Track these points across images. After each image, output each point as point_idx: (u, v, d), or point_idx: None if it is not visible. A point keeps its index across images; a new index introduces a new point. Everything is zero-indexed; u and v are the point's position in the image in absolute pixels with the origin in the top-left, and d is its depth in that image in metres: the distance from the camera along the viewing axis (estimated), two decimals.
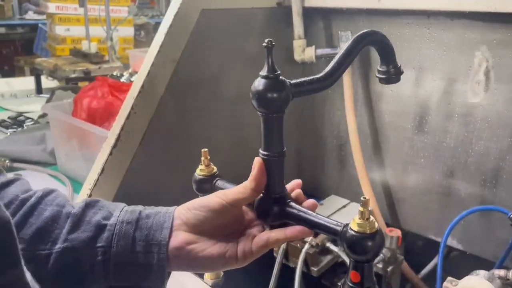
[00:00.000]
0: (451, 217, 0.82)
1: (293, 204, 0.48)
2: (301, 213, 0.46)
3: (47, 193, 0.49)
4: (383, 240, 0.44)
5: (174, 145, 0.89)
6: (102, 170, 0.78)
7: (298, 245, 0.91)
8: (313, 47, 1.00)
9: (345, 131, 1.07)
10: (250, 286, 0.90)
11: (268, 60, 0.45)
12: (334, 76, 0.48)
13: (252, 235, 0.47)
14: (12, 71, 4.46)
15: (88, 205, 0.48)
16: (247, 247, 0.46)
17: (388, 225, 1.04)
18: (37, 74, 2.55)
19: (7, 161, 1.25)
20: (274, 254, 0.94)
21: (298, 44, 1.00)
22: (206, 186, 0.54)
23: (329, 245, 0.92)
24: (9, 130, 1.52)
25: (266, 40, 0.44)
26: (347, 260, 0.87)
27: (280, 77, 0.46)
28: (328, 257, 0.92)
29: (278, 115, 0.46)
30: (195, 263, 0.46)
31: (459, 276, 0.67)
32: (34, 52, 4.30)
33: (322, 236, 0.93)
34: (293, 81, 0.46)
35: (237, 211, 0.48)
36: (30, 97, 2.28)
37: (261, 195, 0.48)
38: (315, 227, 0.46)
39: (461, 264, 1.01)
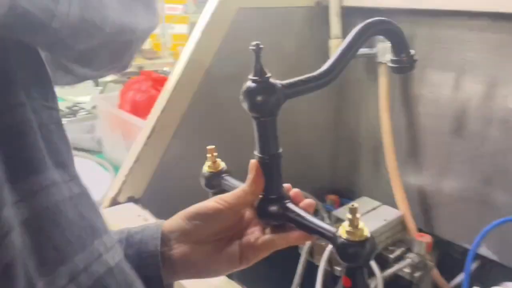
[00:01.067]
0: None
1: (289, 205, 0.48)
2: (298, 215, 0.46)
3: None
4: (373, 248, 0.43)
5: (205, 139, 0.91)
6: (137, 158, 0.83)
7: (323, 243, 0.91)
8: None
9: (380, 133, 1.06)
10: (276, 281, 0.92)
11: (256, 63, 0.44)
12: (334, 72, 0.47)
13: (254, 237, 0.48)
14: None
15: None
16: (250, 251, 0.47)
17: (421, 230, 1.02)
18: None
19: None
20: (299, 251, 0.95)
21: (334, 43, 1.00)
22: (214, 182, 0.55)
23: None
24: (64, 119, 1.63)
25: (253, 43, 0.44)
26: (372, 262, 0.87)
27: (270, 80, 0.45)
28: None
29: (270, 118, 0.46)
30: (200, 272, 0.47)
31: None
32: None
33: None
34: (285, 82, 0.46)
35: (237, 214, 0.48)
36: (86, 88, 2.41)
37: (260, 196, 0.48)
38: (310, 231, 0.46)
39: (496, 276, 0.97)
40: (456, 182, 0.98)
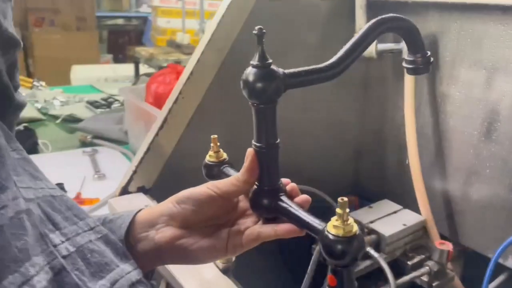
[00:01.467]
0: None
1: (284, 198, 0.46)
2: (290, 208, 0.45)
3: None
4: (361, 245, 0.40)
5: (219, 132, 0.91)
6: (148, 149, 0.83)
7: None
8: (375, 42, 0.96)
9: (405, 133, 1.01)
10: (287, 278, 0.89)
11: (259, 48, 0.44)
12: (340, 67, 0.46)
13: (244, 227, 0.47)
14: (124, 59, 4.89)
15: None
16: (237, 241, 0.46)
17: (445, 238, 0.96)
18: (136, 62, 2.77)
19: (88, 136, 1.38)
20: (312, 252, 0.92)
21: None
22: (214, 172, 0.54)
23: (369, 249, 0.88)
24: (98, 110, 1.68)
25: (256, 28, 0.43)
26: (385, 266, 0.83)
27: (272, 67, 0.44)
28: (367, 262, 0.88)
29: (270, 105, 0.45)
30: (186, 257, 0.46)
31: None
32: (143, 43, 4.67)
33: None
34: (288, 71, 0.44)
35: (229, 202, 0.48)
36: (125, 82, 2.48)
37: (255, 186, 0.47)
38: (300, 224, 0.44)
39: None
40: (484, 188, 0.92)
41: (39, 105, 1.72)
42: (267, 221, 0.47)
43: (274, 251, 0.94)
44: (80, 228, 0.38)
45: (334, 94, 1.09)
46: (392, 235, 0.89)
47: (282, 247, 1.05)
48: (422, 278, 0.87)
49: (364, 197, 1.10)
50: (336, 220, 0.40)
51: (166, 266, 0.64)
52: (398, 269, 0.90)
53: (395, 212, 0.97)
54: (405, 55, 0.52)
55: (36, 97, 1.79)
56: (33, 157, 1.36)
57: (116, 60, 4.60)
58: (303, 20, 0.97)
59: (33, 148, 1.35)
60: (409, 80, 0.95)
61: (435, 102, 0.97)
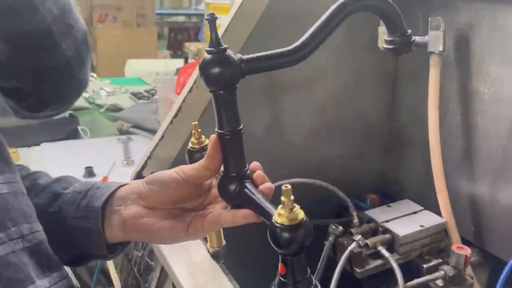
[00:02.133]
0: None
1: (247, 185, 0.46)
2: (250, 195, 0.45)
3: (33, 172, 0.56)
4: (308, 233, 0.39)
5: None
6: (162, 136, 0.86)
7: (345, 242, 0.86)
8: None
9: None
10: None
11: (211, 33, 0.43)
12: (304, 51, 0.44)
13: (209, 212, 0.48)
14: (181, 55, 5.03)
15: (58, 179, 0.54)
16: (198, 224, 0.47)
17: (469, 243, 0.91)
18: (185, 57, 2.86)
19: (125, 125, 1.44)
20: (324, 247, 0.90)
21: (383, 30, 0.93)
22: (196, 158, 0.54)
23: (381, 249, 0.85)
24: (140, 101, 1.75)
25: (208, 13, 0.43)
26: (395, 267, 0.80)
27: (226, 52, 0.44)
28: (378, 262, 0.85)
29: (228, 91, 0.44)
30: (146, 236, 0.48)
31: None
32: (199, 39, 4.77)
33: (375, 239, 0.86)
34: (246, 56, 0.44)
35: (197, 187, 0.48)
36: (173, 76, 2.56)
37: (222, 173, 0.48)
38: (257, 211, 0.44)
39: None
40: None
41: (87, 95, 1.83)
42: (235, 208, 0.47)
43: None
44: (8, 236, 0.38)
45: (360, 90, 1.06)
46: (407, 235, 0.85)
47: None
48: (436, 282, 0.83)
49: (387, 196, 1.07)
50: (281, 208, 0.39)
51: (161, 250, 0.66)
52: (413, 271, 0.86)
53: (414, 213, 0.93)
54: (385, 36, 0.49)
55: None
56: (70, 142, 1.46)
57: (174, 56, 4.74)
58: (325, 11, 0.95)
59: (73, 134, 1.45)
60: (434, 75, 0.90)
61: (463, 99, 0.92)
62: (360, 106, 1.06)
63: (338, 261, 0.87)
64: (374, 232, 0.89)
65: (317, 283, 0.41)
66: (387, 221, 0.89)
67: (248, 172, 0.47)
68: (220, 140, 0.46)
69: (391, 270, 0.84)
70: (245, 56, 0.44)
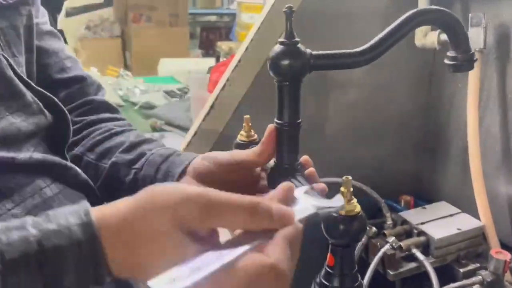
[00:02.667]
0: None
1: (299, 178, 0.47)
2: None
3: (130, 129, 0.63)
4: (363, 225, 0.40)
5: (265, 120, 0.92)
6: (195, 133, 0.87)
7: (378, 243, 0.84)
8: (438, 31, 0.89)
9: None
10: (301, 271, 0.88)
11: (286, 26, 0.44)
12: (370, 54, 0.45)
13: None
14: (213, 55, 5.08)
15: (147, 140, 0.59)
16: None
17: (508, 248, 0.88)
18: (217, 56, 2.87)
19: (158, 122, 1.47)
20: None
21: (420, 28, 0.91)
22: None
23: (416, 251, 0.83)
24: (173, 99, 1.77)
25: (286, 6, 0.44)
26: (430, 270, 0.78)
27: (298, 45, 0.45)
28: (412, 265, 0.83)
29: (293, 84, 0.46)
30: None
31: None
32: (230, 38, 4.80)
33: (409, 241, 0.84)
34: (315, 52, 0.45)
35: (248, 174, 0.50)
36: (205, 74, 2.59)
37: (274, 163, 0.48)
38: None
39: None
40: None
41: (121, 93, 1.87)
42: None
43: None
44: None
45: (396, 89, 1.04)
46: (443, 238, 0.83)
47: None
48: (473, 287, 0.80)
49: (421, 198, 1.04)
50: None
51: None
52: (448, 275, 0.84)
53: (451, 215, 0.91)
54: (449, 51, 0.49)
55: (120, 85, 1.94)
56: None
57: (206, 55, 4.78)
58: (363, 11, 0.94)
59: None
60: (473, 74, 0.87)
61: (504, 99, 0.89)
62: (395, 105, 1.04)
63: (370, 262, 0.85)
64: (408, 234, 0.87)
65: (362, 282, 0.41)
66: (422, 223, 0.87)
67: (300, 166, 0.48)
68: (278, 131, 0.47)
69: (425, 274, 0.82)
70: (315, 52, 0.45)
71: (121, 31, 4.20)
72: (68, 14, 3.65)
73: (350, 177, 0.40)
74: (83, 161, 0.57)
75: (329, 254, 0.41)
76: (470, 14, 0.86)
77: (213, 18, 5.49)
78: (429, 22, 0.48)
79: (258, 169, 0.50)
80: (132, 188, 0.53)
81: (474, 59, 0.50)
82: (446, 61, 0.51)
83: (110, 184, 0.55)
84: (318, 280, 0.42)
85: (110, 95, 1.80)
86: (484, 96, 0.90)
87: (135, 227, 0.33)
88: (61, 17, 3.52)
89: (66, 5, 3.66)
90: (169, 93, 1.84)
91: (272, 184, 0.48)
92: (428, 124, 1.07)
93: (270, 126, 0.47)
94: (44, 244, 0.31)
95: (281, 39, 0.45)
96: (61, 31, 2.92)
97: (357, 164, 1.01)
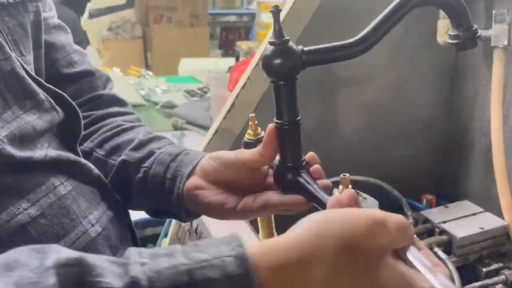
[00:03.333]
0: None
1: (303, 175, 0.47)
2: (305, 184, 0.46)
3: (139, 125, 0.62)
4: None
5: None
6: (216, 131, 0.88)
7: None
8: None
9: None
10: None
11: (275, 25, 0.44)
12: (366, 43, 0.44)
13: (260, 195, 0.49)
14: (233, 54, 5.09)
15: (156, 138, 0.59)
16: (248, 203, 0.49)
17: None
18: (236, 55, 2.89)
19: (179, 121, 1.49)
20: None
21: (442, 24, 0.90)
22: (251, 148, 0.56)
23: (437, 250, 0.82)
24: (193, 98, 1.79)
25: (273, 6, 0.44)
26: (452, 269, 0.78)
27: (288, 44, 0.44)
28: None
29: (288, 82, 0.45)
30: (197, 207, 0.52)
31: None
32: (249, 38, 4.81)
33: (431, 240, 0.84)
34: (307, 48, 0.44)
35: (254, 172, 0.50)
36: (224, 74, 2.60)
37: (278, 162, 0.49)
38: (309, 197, 0.45)
39: None
40: None
41: (143, 92, 1.90)
42: None
43: None
44: None
45: (418, 85, 1.03)
46: (465, 237, 0.82)
47: None
48: (496, 287, 0.79)
49: (444, 197, 1.03)
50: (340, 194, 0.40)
51: (212, 236, 0.68)
52: (471, 275, 0.83)
53: (473, 214, 0.89)
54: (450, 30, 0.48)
55: (141, 85, 1.97)
56: None
57: (226, 55, 4.79)
58: (381, 7, 0.93)
59: None
60: (497, 71, 0.86)
61: None
62: (417, 102, 1.03)
63: None
64: (430, 233, 0.86)
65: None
66: (444, 222, 0.86)
67: (304, 162, 0.48)
68: (278, 130, 0.47)
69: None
70: (307, 48, 0.45)
71: (143, 32, 4.25)
72: (91, 16, 3.72)
73: (347, 174, 0.40)
74: (92, 157, 0.58)
75: None
76: (494, 11, 0.85)
77: (232, 18, 5.51)
78: (425, 2, 0.46)
79: (265, 166, 0.51)
80: (141, 186, 0.54)
81: (477, 35, 0.48)
82: (449, 41, 0.49)
83: (119, 181, 0.56)
84: None
85: (132, 95, 1.83)
86: (508, 93, 0.88)
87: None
88: (84, 18, 3.60)
89: (89, 7, 3.73)
90: (190, 93, 1.87)
91: (278, 181, 0.49)
92: (450, 122, 1.06)
93: (270, 126, 0.48)
94: (194, 275, 0.28)
95: (271, 39, 0.45)
96: (84, 32, 2.97)
97: (379, 162, 1.01)
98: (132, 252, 0.30)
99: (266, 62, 0.44)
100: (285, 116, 0.46)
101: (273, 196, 0.48)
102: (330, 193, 0.46)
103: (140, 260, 0.29)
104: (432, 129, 1.07)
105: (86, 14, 3.63)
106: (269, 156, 0.48)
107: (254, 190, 0.50)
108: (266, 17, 3.33)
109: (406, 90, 1.02)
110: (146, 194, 0.54)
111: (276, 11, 0.44)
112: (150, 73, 2.21)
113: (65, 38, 0.62)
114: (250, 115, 0.57)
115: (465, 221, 0.87)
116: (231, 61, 3.10)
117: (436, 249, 0.82)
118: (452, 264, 0.79)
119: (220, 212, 0.51)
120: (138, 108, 1.72)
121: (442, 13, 0.92)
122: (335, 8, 0.88)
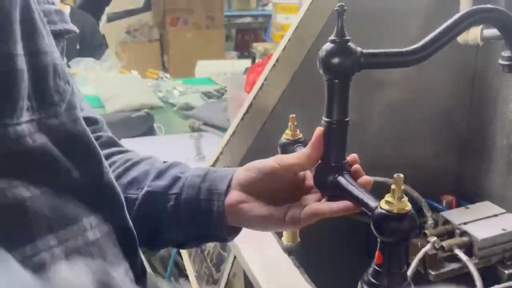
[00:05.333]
0: None
1: (346, 176, 0.47)
2: (348, 185, 0.45)
3: (148, 157, 0.60)
4: (413, 225, 0.40)
5: (306, 118, 0.92)
6: (234, 132, 0.88)
7: (419, 243, 0.83)
8: (480, 27, 0.87)
9: None
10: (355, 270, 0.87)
11: (338, 24, 0.45)
12: (422, 53, 0.45)
13: (306, 203, 0.48)
14: (248, 56, 5.10)
15: (173, 164, 0.57)
16: (295, 214, 0.48)
17: None
18: (252, 57, 2.89)
19: (196, 123, 1.50)
20: None
21: None
22: (288, 150, 0.55)
23: (458, 252, 0.81)
24: (210, 99, 1.81)
25: (338, 4, 0.44)
26: (474, 271, 0.77)
27: (349, 43, 0.45)
28: (454, 265, 0.82)
29: (342, 81, 0.46)
30: (244, 221, 0.50)
31: None
32: (265, 39, 4.82)
33: (451, 241, 0.83)
34: (366, 51, 0.45)
35: (294, 177, 0.50)
36: (240, 75, 2.61)
37: (320, 163, 0.48)
38: (355, 200, 0.44)
39: None
40: None
41: (161, 94, 1.92)
42: (331, 199, 0.48)
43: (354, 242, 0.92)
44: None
45: (438, 86, 1.02)
46: (486, 239, 0.81)
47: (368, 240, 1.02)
48: None
49: (464, 198, 1.01)
50: (390, 196, 0.40)
51: (234, 241, 0.68)
52: (493, 277, 0.81)
53: (495, 216, 0.88)
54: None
55: (159, 87, 1.99)
56: (148, 138, 1.54)
57: (241, 56, 4.80)
58: (403, 8, 0.93)
59: (150, 131, 1.54)
60: None
61: None
62: (437, 103, 1.01)
63: (410, 262, 0.84)
64: (450, 235, 0.85)
65: (411, 282, 0.41)
66: (465, 223, 0.85)
67: (347, 164, 0.48)
68: (326, 129, 0.47)
69: (468, 275, 0.80)
70: (365, 50, 0.45)
71: (159, 35, 4.29)
72: (109, 20, 3.77)
73: (401, 175, 0.39)
74: None
75: (377, 252, 0.41)
76: None
77: (247, 19, 5.52)
78: (484, 21, 0.47)
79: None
80: (174, 214, 0.52)
81: None
82: (501, 62, 0.50)
83: (145, 215, 0.53)
84: (365, 278, 0.41)
85: (150, 97, 1.85)
86: None
87: None
88: (102, 22, 3.65)
89: (107, 11, 3.78)
90: (207, 94, 1.88)
91: (318, 184, 0.48)
92: (471, 122, 1.04)
93: (319, 129, 0.47)
94: None
95: (332, 37, 0.45)
96: (103, 36, 3.00)
97: (398, 162, 1.00)
98: None
99: (325, 59, 0.45)
100: (335, 115, 0.46)
101: (320, 206, 0.47)
102: (370, 190, 0.46)
103: None
104: (453, 130, 1.05)
105: (104, 18, 3.68)
106: (316, 157, 0.47)
107: (294, 195, 0.49)
108: (282, 18, 3.34)
109: (426, 91, 1.01)
110: (180, 222, 0.52)
111: (341, 10, 0.44)
112: (168, 75, 2.23)
113: (75, 84, 0.60)
114: (290, 116, 0.57)
115: (486, 222, 0.86)
116: (247, 62, 3.11)
117: (457, 251, 0.81)
118: (473, 266, 0.78)
119: (266, 224, 0.49)
120: (156, 111, 1.74)
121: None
122: (352, 11, 0.88)
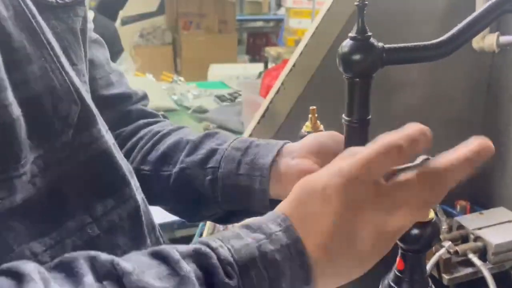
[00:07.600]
0: None
1: None
2: None
3: (177, 127, 0.58)
4: (435, 233, 0.40)
5: (322, 122, 0.93)
6: (250, 135, 0.90)
7: (433, 248, 0.83)
8: (497, 33, 0.88)
9: None
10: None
11: (358, 20, 0.42)
12: (449, 46, 0.42)
13: None
14: (260, 60, 5.13)
15: (207, 135, 0.53)
16: None
17: None
18: (265, 61, 2.92)
19: (210, 125, 1.52)
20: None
21: None
22: None
23: (472, 256, 0.81)
24: (224, 103, 1.82)
25: (359, 0, 0.42)
26: (488, 276, 0.77)
27: (370, 40, 0.42)
28: (468, 270, 0.82)
29: (364, 79, 0.43)
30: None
31: None
32: (276, 43, 4.84)
33: (465, 246, 0.83)
34: (388, 46, 0.42)
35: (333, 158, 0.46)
36: (253, 79, 2.63)
37: None
38: None
39: None
40: None
41: (175, 97, 1.94)
42: None
43: None
44: None
45: (454, 91, 1.02)
46: (501, 244, 0.81)
47: None
48: None
49: (478, 203, 1.01)
50: None
51: None
52: (507, 282, 0.81)
53: (509, 221, 0.88)
54: None
55: (174, 90, 2.02)
56: None
57: (253, 60, 4.83)
58: (419, 14, 0.93)
59: None
60: None
61: None
62: (453, 108, 1.02)
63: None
64: (464, 240, 0.86)
65: (433, 286, 0.41)
66: (479, 229, 0.85)
67: None
68: (347, 128, 0.45)
69: (482, 279, 0.80)
70: (387, 46, 0.43)
71: (172, 38, 4.33)
72: (123, 23, 3.82)
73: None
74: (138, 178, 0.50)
75: (398, 259, 0.41)
76: None
77: (259, 24, 5.54)
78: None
79: None
80: (212, 188, 0.49)
81: None
82: None
83: (180, 192, 0.50)
84: (386, 282, 0.42)
85: (165, 100, 1.88)
86: None
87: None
88: (117, 25, 3.70)
89: (121, 14, 3.84)
90: (220, 98, 1.90)
91: None
92: (486, 127, 1.04)
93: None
94: (262, 249, 0.32)
95: (352, 34, 0.42)
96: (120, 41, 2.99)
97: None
98: (205, 240, 0.33)
99: (345, 57, 0.42)
100: (356, 114, 0.44)
101: None
102: None
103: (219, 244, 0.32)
104: (467, 135, 1.05)
105: (118, 21, 3.73)
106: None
107: None
108: (295, 23, 3.36)
109: (441, 96, 1.02)
110: (218, 198, 0.49)
111: (361, 5, 0.42)
112: (182, 78, 2.25)
113: (103, 55, 0.57)
114: (311, 107, 0.56)
115: (500, 228, 0.86)
116: (259, 66, 3.13)
117: (471, 256, 0.81)
118: (487, 271, 0.78)
119: None
120: (171, 113, 1.76)
121: None
122: (372, 13, 0.89)
